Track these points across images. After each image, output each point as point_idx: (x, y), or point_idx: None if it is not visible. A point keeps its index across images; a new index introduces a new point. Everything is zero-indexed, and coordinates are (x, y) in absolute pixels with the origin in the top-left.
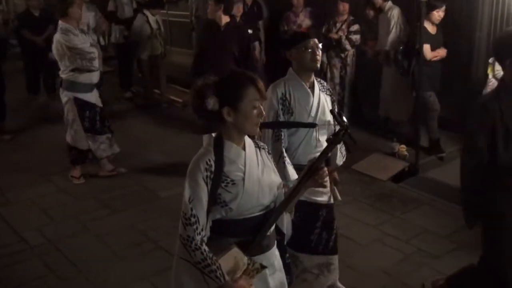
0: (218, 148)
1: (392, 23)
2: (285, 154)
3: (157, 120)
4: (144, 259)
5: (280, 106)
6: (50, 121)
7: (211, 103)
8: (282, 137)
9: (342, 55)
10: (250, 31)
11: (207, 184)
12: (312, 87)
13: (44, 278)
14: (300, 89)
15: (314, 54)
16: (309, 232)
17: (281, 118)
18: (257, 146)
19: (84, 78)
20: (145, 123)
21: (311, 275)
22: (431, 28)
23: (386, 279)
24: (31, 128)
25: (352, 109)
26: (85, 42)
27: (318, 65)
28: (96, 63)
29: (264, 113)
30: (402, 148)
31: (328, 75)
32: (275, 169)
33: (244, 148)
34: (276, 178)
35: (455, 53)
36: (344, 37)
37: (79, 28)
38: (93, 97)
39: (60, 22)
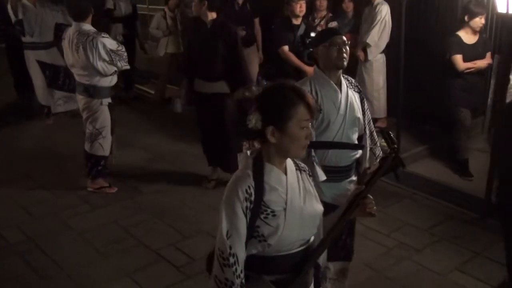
0: (258, 172)
1: (378, 18)
2: (314, 154)
3: (137, 116)
4: (126, 256)
5: None
6: (33, 119)
7: (253, 121)
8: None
9: None
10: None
11: (246, 216)
12: (339, 84)
13: (24, 276)
14: (326, 86)
15: (340, 51)
16: (337, 239)
17: None
18: (297, 168)
19: (112, 81)
20: (125, 119)
21: (331, 281)
22: (467, 38)
23: (368, 273)
24: (14, 125)
25: None
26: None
27: (345, 64)
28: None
29: (313, 134)
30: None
31: None
32: (317, 195)
33: (285, 172)
34: (318, 207)
35: (434, 48)
36: None
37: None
38: None
39: (85, 24)
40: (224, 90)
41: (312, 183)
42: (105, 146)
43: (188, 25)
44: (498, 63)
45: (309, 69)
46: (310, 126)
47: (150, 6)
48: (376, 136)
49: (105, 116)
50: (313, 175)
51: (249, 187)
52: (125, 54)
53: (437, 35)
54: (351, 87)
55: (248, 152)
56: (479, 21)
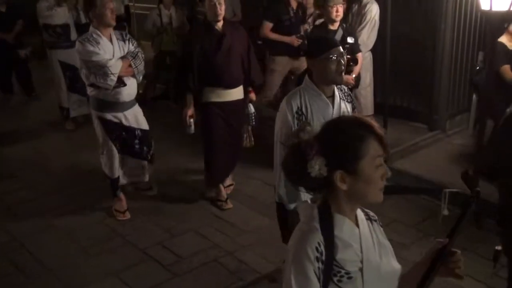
0: (326, 225)
1: (368, 17)
2: None
3: None
4: (113, 255)
5: (296, 121)
6: (18, 119)
7: (316, 167)
8: None
9: None
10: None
11: (319, 280)
12: (332, 96)
13: (10, 277)
14: (317, 100)
15: (339, 64)
16: None
17: None
18: (368, 217)
19: (107, 95)
20: None
21: None
22: (510, 44)
23: None
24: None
25: None
26: (105, 53)
27: (343, 79)
28: (111, 81)
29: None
30: None
31: None
32: (392, 248)
33: (356, 224)
34: (396, 265)
35: (419, 46)
36: (309, 30)
37: (117, 34)
38: (126, 117)
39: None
40: (242, 96)
41: (384, 235)
42: (104, 163)
43: (198, 31)
44: (482, 60)
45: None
46: (384, 163)
47: (137, 4)
48: None
49: (97, 130)
50: (297, 196)
51: (319, 244)
52: (106, 70)
53: (422, 31)
54: (344, 98)
55: (309, 200)
56: None
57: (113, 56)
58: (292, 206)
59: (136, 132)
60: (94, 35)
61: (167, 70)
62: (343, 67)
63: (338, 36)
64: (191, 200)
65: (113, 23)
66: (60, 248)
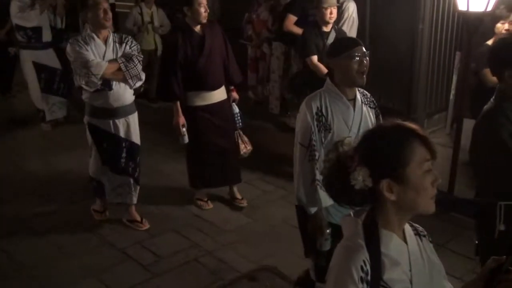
0: (372, 241)
1: (346, 15)
2: (319, 179)
3: None
4: (91, 256)
5: (316, 123)
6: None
7: (360, 178)
8: (317, 157)
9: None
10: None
11: None
12: (353, 99)
13: None
14: (338, 102)
15: (361, 64)
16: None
17: (316, 136)
18: (416, 233)
19: (95, 100)
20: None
21: None
22: None
23: None
24: None
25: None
26: (92, 54)
27: (364, 81)
28: (92, 83)
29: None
30: None
31: (271, 67)
32: (443, 267)
33: (404, 240)
34: (448, 285)
35: (398, 45)
36: None
37: (116, 37)
38: (116, 125)
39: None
40: (225, 96)
41: (434, 250)
42: (90, 165)
43: (178, 35)
44: (459, 60)
45: None
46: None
47: (118, 2)
48: None
49: (87, 135)
50: (316, 200)
51: (364, 262)
52: (87, 73)
53: (401, 30)
54: (366, 102)
55: (352, 213)
56: (501, 27)
57: (103, 58)
58: (312, 210)
59: (124, 144)
60: (87, 37)
61: (147, 69)
62: (365, 68)
63: (331, 38)
64: (171, 200)
65: (107, 24)
66: (37, 248)
